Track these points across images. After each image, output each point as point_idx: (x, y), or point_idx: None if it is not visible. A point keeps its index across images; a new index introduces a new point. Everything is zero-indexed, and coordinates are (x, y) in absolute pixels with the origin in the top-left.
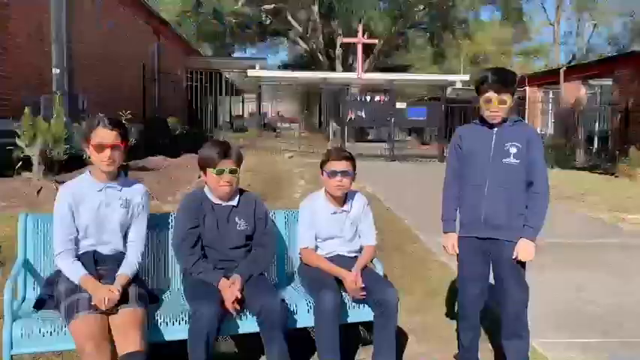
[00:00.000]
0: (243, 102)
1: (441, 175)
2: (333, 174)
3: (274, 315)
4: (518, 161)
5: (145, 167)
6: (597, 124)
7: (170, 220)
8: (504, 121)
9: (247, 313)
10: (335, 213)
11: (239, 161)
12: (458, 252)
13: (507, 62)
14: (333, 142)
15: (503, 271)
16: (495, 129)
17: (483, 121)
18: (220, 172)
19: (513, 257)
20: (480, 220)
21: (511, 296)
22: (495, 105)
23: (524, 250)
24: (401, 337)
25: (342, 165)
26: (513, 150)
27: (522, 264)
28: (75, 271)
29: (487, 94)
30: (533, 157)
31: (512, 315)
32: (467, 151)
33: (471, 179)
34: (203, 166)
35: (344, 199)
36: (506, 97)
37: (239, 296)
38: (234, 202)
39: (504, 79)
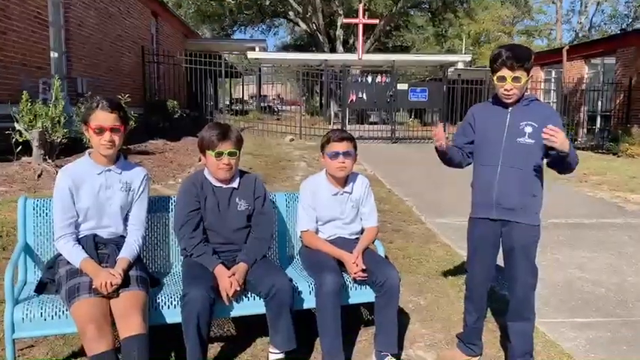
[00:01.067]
0: (243, 84)
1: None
2: (334, 155)
3: (284, 294)
4: (533, 141)
5: (145, 151)
6: (600, 103)
7: (171, 204)
8: (519, 100)
9: (249, 296)
10: (336, 194)
11: (239, 144)
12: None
13: (509, 42)
14: (334, 125)
15: (514, 253)
16: (510, 108)
17: (497, 101)
18: (219, 155)
19: (544, 138)
20: (492, 201)
21: (520, 279)
22: (509, 83)
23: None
24: (402, 318)
25: (343, 146)
26: (529, 129)
27: (534, 247)
28: (76, 255)
29: (500, 72)
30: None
31: (520, 298)
32: (480, 130)
33: (483, 159)
34: (202, 148)
35: (345, 180)
36: (521, 74)
37: (238, 289)
38: (235, 185)
39: (518, 56)
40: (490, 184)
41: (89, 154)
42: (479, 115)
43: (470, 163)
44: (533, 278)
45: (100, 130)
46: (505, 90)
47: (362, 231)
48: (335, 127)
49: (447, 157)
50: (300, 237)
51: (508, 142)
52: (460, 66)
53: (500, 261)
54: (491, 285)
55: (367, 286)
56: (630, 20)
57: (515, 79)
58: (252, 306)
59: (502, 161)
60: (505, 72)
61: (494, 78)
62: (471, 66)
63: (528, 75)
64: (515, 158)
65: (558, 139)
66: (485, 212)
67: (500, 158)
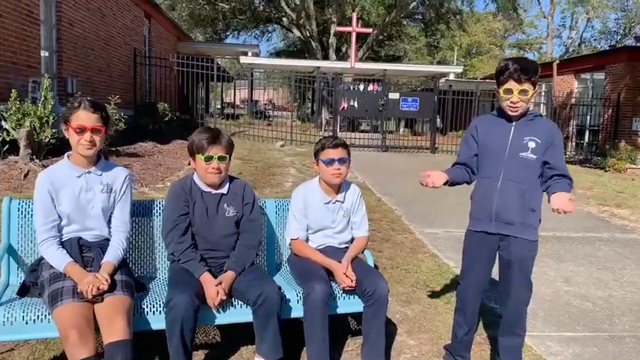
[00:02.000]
0: (234, 89)
1: (432, 166)
2: (330, 162)
3: (272, 302)
4: (535, 156)
5: (134, 153)
6: (589, 117)
7: (158, 207)
8: (524, 114)
9: (235, 304)
10: (328, 203)
11: (229, 148)
12: (474, 232)
13: (500, 54)
14: (325, 132)
15: (510, 268)
16: (514, 122)
17: (501, 114)
18: (209, 159)
19: (554, 208)
20: (491, 215)
21: (515, 295)
22: (516, 95)
23: (561, 201)
24: (390, 328)
25: (338, 152)
26: (532, 145)
27: (531, 262)
28: (59, 259)
29: (507, 85)
30: (556, 163)
31: (513, 313)
32: (482, 142)
33: (484, 172)
34: (192, 152)
35: (338, 188)
36: (528, 87)
37: (224, 298)
38: (224, 190)
39: (526, 69)
40: (490, 198)
41: (68, 156)
42: (481, 128)
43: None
44: (527, 293)
45: (81, 130)
46: (511, 103)
47: (352, 240)
48: (326, 134)
49: (453, 184)
50: (289, 245)
51: (510, 155)
52: (451, 77)
53: (494, 274)
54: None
55: (355, 296)
56: (619, 37)
57: (523, 92)
58: (238, 314)
59: (503, 175)
60: (512, 84)
61: (501, 90)
62: (462, 77)
63: (535, 88)
64: (517, 172)
65: (569, 209)
66: (484, 225)
67: (502, 172)
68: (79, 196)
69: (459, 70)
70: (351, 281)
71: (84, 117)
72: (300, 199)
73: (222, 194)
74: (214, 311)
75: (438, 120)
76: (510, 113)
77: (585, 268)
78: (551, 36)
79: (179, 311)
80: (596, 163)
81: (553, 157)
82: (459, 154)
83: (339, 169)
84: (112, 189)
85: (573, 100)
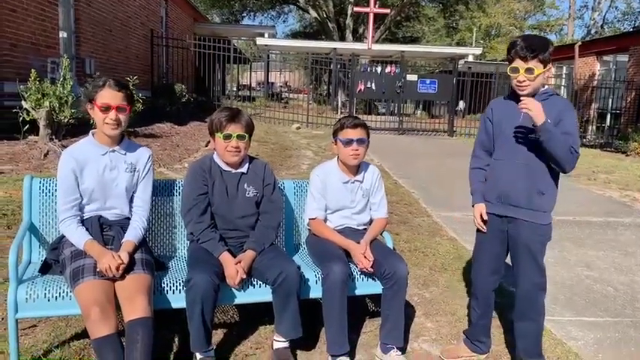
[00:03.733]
0: (250, 71)
1: (449, 149)
2: (348, 142)
3: (292, 281)
4: None
5: (152, 134)
6: (610, 100)
7: (176, 187)
8: (536, 94)
9: (255, 283)
10: (347, 182)
11: (249, 128)
12: (484, 222)
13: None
14: (341, 114)
15: (518, 252)
16: None
17: (514, 94)
18: (228, 137)
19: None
20: (499, 197)
21: (524, 278)
22: (522, 74)
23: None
24: (408, 311)
25: (357, 133)
26: None
27: (540, 247)
28: (79, 237)
29: (514, 63)
30: (565, 129)
31: (524, 297)
32: (496, 124)
33: (496, 153)
34: (212, 130)
35: (357, 169)
36: (534, 65)
37: (244, 277)
38: (244, 169)
39: (532, 46)
40: (498, 179)
41: (93, 134)
42: (497, 109)
43: None
44: (539, 278)
45: (106, 109)
46: (517, 82)
47: (370, 222)
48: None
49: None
50: (308, 225)
51: (519, 137)
52: (470, 59)
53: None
54: (500, 282)
55: (374, 278)
56: None
57: (528, 70)
58: (257, 293)
59: (511, 156)
60: (518, 63)
61: (508, 69)
62: (481, 59)
63: (545, 67)
64: (526, 154)
65: (533, 108)
66: (492, 207)
67: (510, 153)
68: (103, 174)
69: (478, 51)
70: (369, 262)
71: (108, 95)
72: (318, 179)
73: (242, 173)
74: (234, 290)
75: (462, 103)
76: (518, 92)
77: (607, 253)
78: (573, 17)
79: (199, 290)
80: (617, 147)
81: (560, 128)
82: (477, 134)
83: (357, 149)
84: (135, 168)
85: (595, 83)
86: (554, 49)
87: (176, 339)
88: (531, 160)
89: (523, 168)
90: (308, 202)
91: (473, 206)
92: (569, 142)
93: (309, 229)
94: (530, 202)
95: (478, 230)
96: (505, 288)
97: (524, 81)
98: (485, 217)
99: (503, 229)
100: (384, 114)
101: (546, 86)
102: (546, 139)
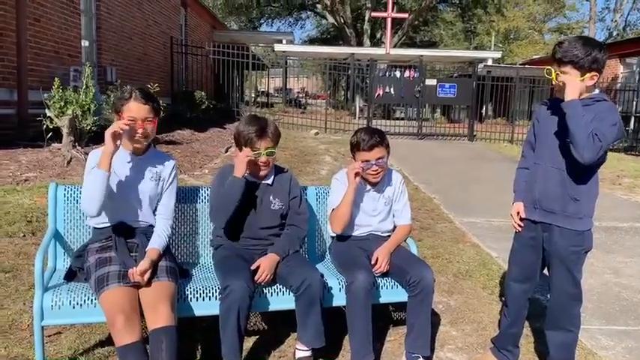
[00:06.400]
0: (268, 77)
1: (469, 154)
2: (367, 165)
3: (314, 289)
4: None
5: (172, 140)
6: (635, 103)
7: (199, 194)
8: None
9: (282, 289)
10: (369, 190)
11: (276, 139)
12: (520, 219)
13: (539, 39)
14: (359, 120)
15: (552, 261)
16: None
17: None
18: (258, 154)
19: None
20: (535, 202)
21: (557, 289)
22: (554, 78)
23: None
24: (433, 319)
25: (374, 154)
26: None
27: (574, 256)
28: (92, 174)
29: (553, 65)
30: (596, 123)
31: (556, 306)
32: (540, 127)
33: (535, 157)
34: (239, 143)
35: None
36: (569, 70)
37: (271, 277)
38: (269, 181)
39: (566, 52)
40: (534, 184)
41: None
42: (543, 111)
43: None
44: (572, 288)
45: (133, 122)
46: (554, 86)
47: (394, 229)
48: (360, 122)
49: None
50: (329, 220)
51: (557, 140)
52: (489, 63)
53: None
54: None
55: (399, 285)
56: None
57: (563, 74)
58: (291, 301)
59: (547, 161)
60: (554, 66)
61: (545, 70)
62: (500, 63)
63: (583, 74)
64: (560, 158)
65: (568, 84)
66: (529, 213)
67: (546, 157)
68: (127, 181)
69: (498, 55)
70: (380, 268)
71: (135, 109)
72: (341, 182)
73: (268, 185)
74: (267, 297)
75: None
76: (557, 95)
77: (635, 260)
78: (594, 19)
79: (235, 297)
80: None
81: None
82: (526, 136)
83: (376, 170)
84: (160, 177)
85: (618, 86)
86: None
87: (199, 347)
88: (566, 166)
89: (558, 173)
90: (329, 199)
91: (513, 204)
92: (594, 128)
93: (332, 237)
94: (563, 208)
95: (515, 235)
96: (535, 297)
97: (556, 85)
98: (523, 215)
99: (537, 236)
100: (402, 119)
101: (596, 91)
102: (568, 114)
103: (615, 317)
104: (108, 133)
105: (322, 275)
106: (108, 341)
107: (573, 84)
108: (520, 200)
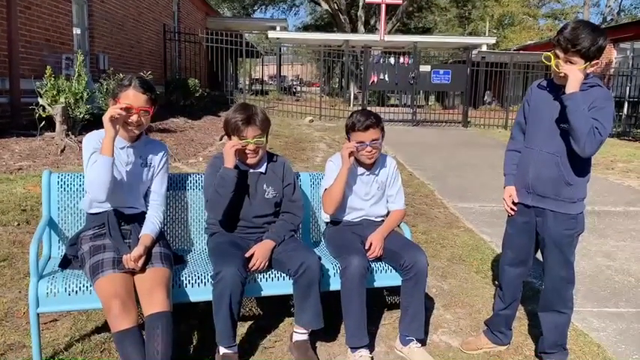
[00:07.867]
0: (262, 64)
1: (464, 140)
2: (361, 145)
3: (313, 271)
4: None
5: (166, 129)
6: (628, 89)
7: (192, 181)
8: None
9: (277, 274)
10: (363, 174)
11: (264, 126)
12: (513, 203)
13: (534, 25)
14: (353, 107)
15: (546, 244)
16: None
17: (553, 81)
18: (246, 143)
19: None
20: (527, 186)
21: (551, 272)
22: (553, 65)
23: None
24: (426, 302)
25: (369, 135)
26: None
27: (567, 240)
28: (97, 161)
29: (556, 49)
30: (595, 114)
31: (551, 291)
32: (533, 109)
33: (527, 141)
34: (227, 132)
35: (373, 161)
36: (575, 59)
37: (265, 264)
38: (262, 169)
39: (573, 40)
40: (527, 168)
41: None
42: (535, 93)
43: None
44: (566, 271)
45: (128, 110)
46: (554, 73)
47: (387, 214)
48: (357, 109)
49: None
50: (322, 198)
51: (552, 125)
52: (484, 48)
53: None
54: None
55: (393, 270)
56: None
57: (566, 62)
58: (284, 286)
59: (541, 145)
60: (558, 52)
61: (544, 56)
62: (494, 49)
63: (587, 61)
64: (555, 144)
65: (571, 74)
66: (522, 197)
67: (541, 142)
68: (119, 168)
69: (492, 41)
70: (373, 253)
71: (133, 97)
72: (334, 165)
73: (261, 173)
74: (260, 283)
75: (489, 93)
76: (555, 81)
77: (627, 243)
78: (588, 4)
79: (227, 283)
80: (635, 135)
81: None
82: (516, 117)
83: (370, 151)
84: (151, 164)
85: (612, 71)
86: None
87: (195, 332)
88: (560, 150)
89: (550, 158)
90: (323, 181)
91: (504, 188)
92: (595, 122)
93: (326, 223)
94: (556, 192)
95: (508, 220)
96: (528, 280)
97: (554, 71)
98: (516, 200)
99: (531, 220)
100: (396, 105)
101: (591, 75)
102: (570, 108)
103: (607, 299)
104: (106, 119)
105: (320, 258)
106: (104, 327)
107: (576, 75)
108: (511, 184)
